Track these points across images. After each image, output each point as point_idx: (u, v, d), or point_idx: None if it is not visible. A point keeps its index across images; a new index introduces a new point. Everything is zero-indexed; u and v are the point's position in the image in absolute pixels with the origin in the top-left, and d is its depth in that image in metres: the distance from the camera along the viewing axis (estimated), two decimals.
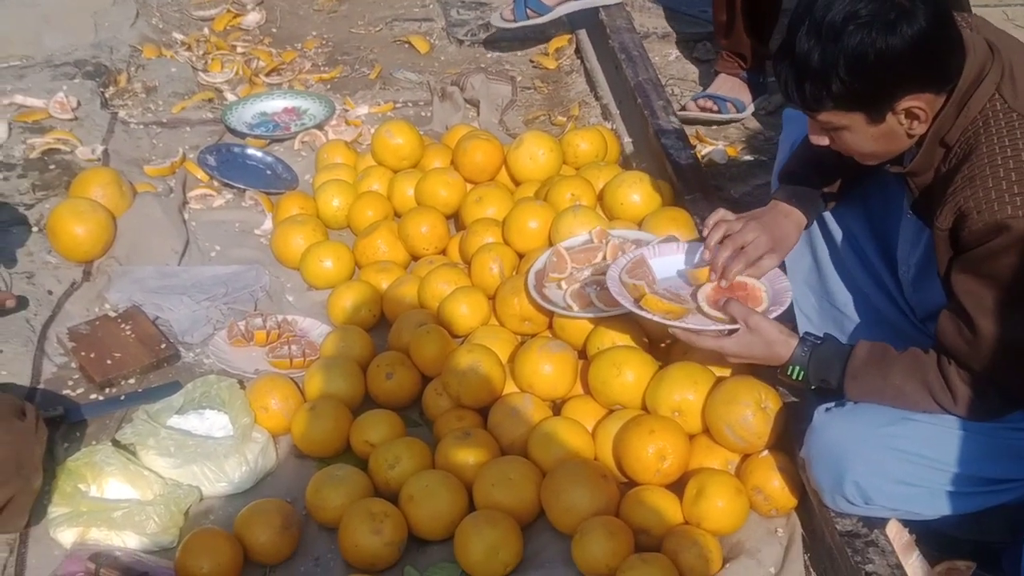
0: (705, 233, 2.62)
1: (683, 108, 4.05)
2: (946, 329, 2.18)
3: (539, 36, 4.77)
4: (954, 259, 2.15)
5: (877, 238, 2.65)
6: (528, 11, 4.46)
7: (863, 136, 2.19)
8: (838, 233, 2.69)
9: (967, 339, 2.14)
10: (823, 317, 2.73)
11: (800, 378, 2.37)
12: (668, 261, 2.76)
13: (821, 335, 2.40)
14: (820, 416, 2.34)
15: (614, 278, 2.65)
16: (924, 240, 2.33)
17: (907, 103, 2.11)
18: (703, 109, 4.10)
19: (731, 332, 2.42)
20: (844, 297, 2.71)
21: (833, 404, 2.34)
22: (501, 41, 4.74)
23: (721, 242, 2.56)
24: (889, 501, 2.28)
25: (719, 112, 4.09)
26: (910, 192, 2.33)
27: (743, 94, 4.13)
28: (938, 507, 2.29)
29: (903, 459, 2.25)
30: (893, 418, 2.26)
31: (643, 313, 2.52)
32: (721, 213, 2.62)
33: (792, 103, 2.21)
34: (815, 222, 2.69)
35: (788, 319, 2.51)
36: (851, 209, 2.66)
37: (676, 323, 2.48)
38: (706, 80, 4.37)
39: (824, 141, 2.26)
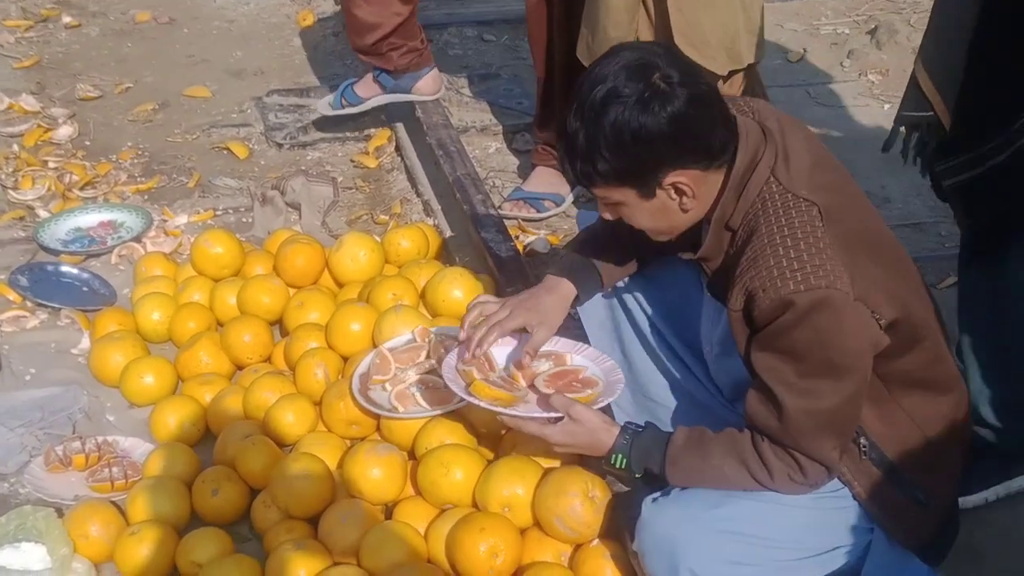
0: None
1: (501, 208, 4.10)
2: (754, 409, 2.24)
3: (359, 136, 4.79)
4: (751, 339, 2.23)
5: (678, 324, 2.72)
6: (343, 101, 4.52)
7: (639, 211, 2.28)
8: (644, 323, 2.76)
9: (775, 416, 2.20)
10: (638, 409, 2.77)
11: (624, 466, 2.39)
12: (511, 350, 2.76)
13: (642, 424, 2.45)
14: (647, 507, 2.35)
15: (450, 365, 2.65)
16: (724, 318, 2.39)
17: (672, 179, 2.20)
18: (520, 211, 4.18)
19: (556, 420, 2.44)
20: (656, 388, 2.76)
21: (659, 494, 2.37)
22: (320, 143, 4.75)
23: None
24: None
25: (536, 212, 4.17)
26: (705, 275, 2.41)
27: (561, 186, 4.22)
28: None
29: (733, 540, 2.28)
30: (718, 500, 2.30)
31: (471, 399, 2.52)
32: (482, 298, 2.70)
33: (570, 180, 2.29)
34: (622, 315, 2.76)
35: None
36: (650, 296, 2.74)
37: (503, 410, 2.50)
38: (526, 170, 4.44)
39: (610, 216, 2.34)
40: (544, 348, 2.67)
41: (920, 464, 2.35)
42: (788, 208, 2.20)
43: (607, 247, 2.65)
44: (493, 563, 2.52)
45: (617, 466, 2.40)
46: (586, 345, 2.75)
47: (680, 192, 2.22)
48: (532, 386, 2.62)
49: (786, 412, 2.18)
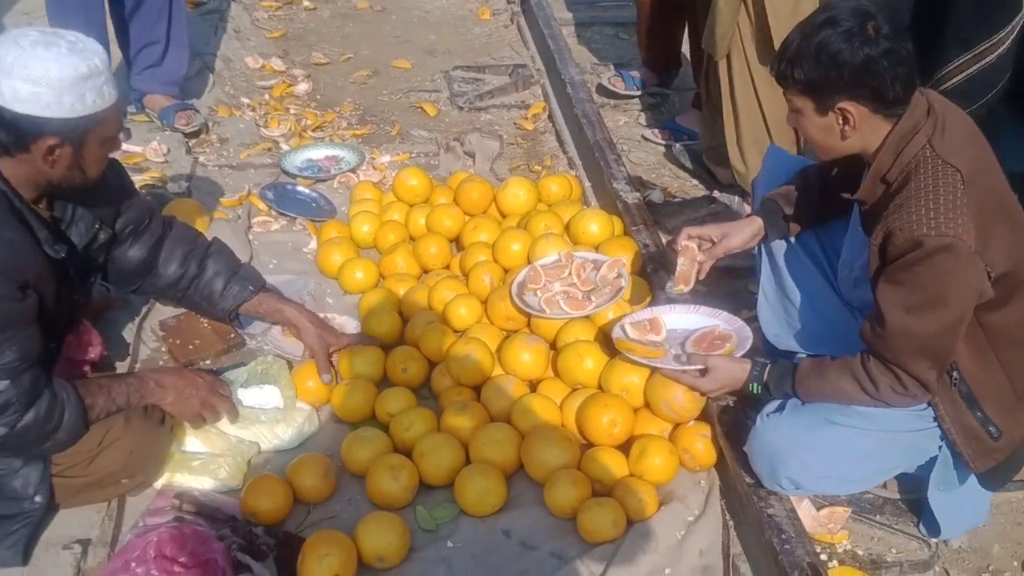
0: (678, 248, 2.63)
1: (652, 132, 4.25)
2: (864, 328, 2.18)
3: (520, 105, 4.76)
4: (880, 272, 2.14)
5: (825, 244, 2.65)
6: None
7: (810, 122, 2.19)
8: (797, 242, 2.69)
9: (877, 333, 2.14)
10: (778, 307, 2.69)
11: (759, 392, 2.38)
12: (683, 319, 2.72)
13: (767, 360, 2.40)
14: (761, 420, 2.35)
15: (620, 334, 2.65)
16: (866, 250, 2.29)
17: (844, 104, 2.11)
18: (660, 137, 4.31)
19: (701, 371, 2.44)
20: (794, 293, 2.66)
21: (774, 409, 2.34)
22: (491, 108, 4.73)
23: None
24: (814, 488, 2.33)
25: (674, 141, 4.26)
26: (860, 214, 2.33)
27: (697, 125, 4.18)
28: (851, 488, 2.39)
29: (824, 457, 2.26)
30: (816, 422, 2.26)
31: (633, 358, 2.54)
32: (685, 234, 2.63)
33: (774, 76, 2.21)
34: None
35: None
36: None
37: (661, 365, 2.52)
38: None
39: (792, 122, 2.26)
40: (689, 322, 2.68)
41: (1001, 407, 2.23)
42: (937, 170, 2.09)
43: (797, 202, 2.56)
44: (612, 431, 2.53)
45: (755, 392, 2.38)
46: (722, 311, 2.70)
47: (845, 120, 2.13)
48: (681, 346, 2.61)
49: (887, 329, 2.10)
